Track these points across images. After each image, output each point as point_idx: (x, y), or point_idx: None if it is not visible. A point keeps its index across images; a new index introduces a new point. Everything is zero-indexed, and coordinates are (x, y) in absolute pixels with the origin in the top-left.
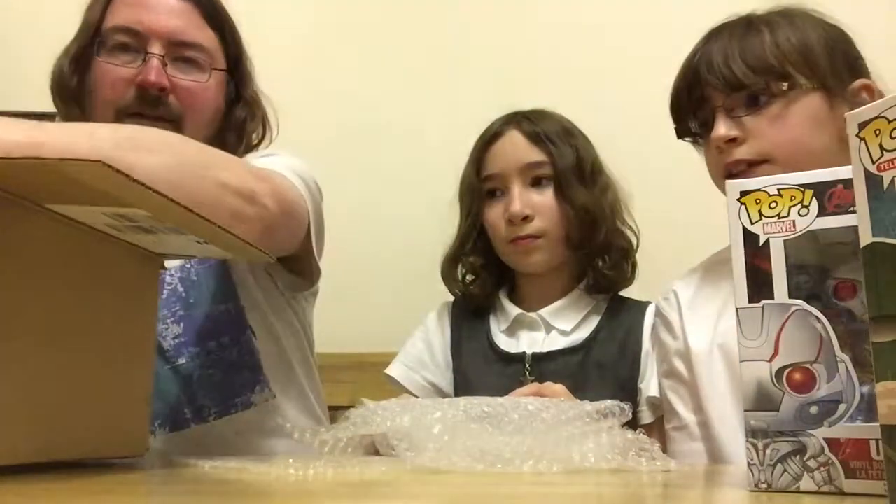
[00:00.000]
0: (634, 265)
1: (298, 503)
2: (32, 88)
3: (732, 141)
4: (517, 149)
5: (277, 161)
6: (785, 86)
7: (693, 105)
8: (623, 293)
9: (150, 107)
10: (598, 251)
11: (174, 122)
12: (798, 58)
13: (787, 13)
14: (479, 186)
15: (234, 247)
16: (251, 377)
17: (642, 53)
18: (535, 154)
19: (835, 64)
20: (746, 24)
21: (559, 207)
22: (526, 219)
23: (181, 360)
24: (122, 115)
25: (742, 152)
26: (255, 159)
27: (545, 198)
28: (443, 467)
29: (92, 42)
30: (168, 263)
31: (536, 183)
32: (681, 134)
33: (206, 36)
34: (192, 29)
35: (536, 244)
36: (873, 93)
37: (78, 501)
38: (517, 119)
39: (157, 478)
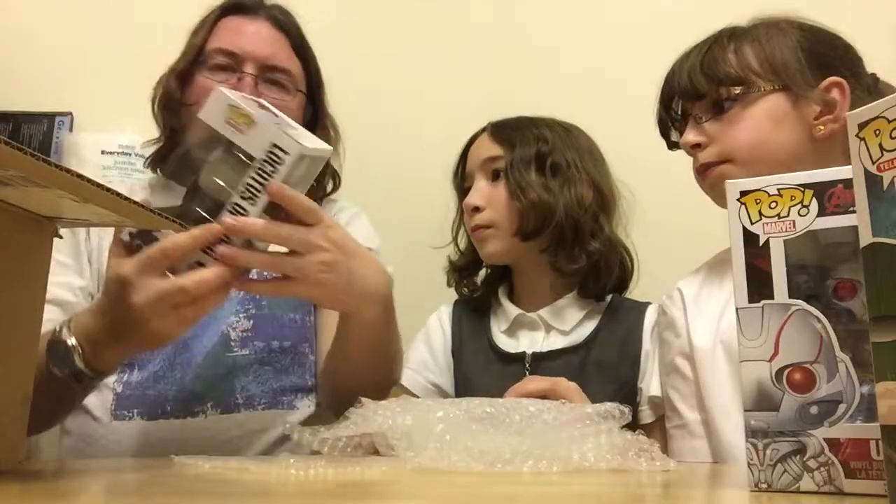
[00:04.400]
0: (604, 267)
1: (298, 503)
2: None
3: (697, 146)
4: (481, 147)
5: (375, 249)
6: (738, 90)
7: (671, 118)
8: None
9: None
10: (553, 245)
11: None
12: (757, 63)
13: (759, 24)
14: (461, 185)
15: (124, 210)
16: (298, 384)
17: (642, 54)
18: (493, 149)
19: (801, 65)
20: (714, 39)
21: (509, 199)
22: (476, 210)
23: (244, 351)
24: None
25: (705, 156)
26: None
27: (498, 190)
28: (443, 467)
29: (195, 61)
30: None
31: (495, 176)
32: (670, 145)
33: (293, 63)
34: (281, 55)
35: (487, 234)
36: (843, 90)
37: (79, 501)
38: (493, 123)
39: (158, 477)
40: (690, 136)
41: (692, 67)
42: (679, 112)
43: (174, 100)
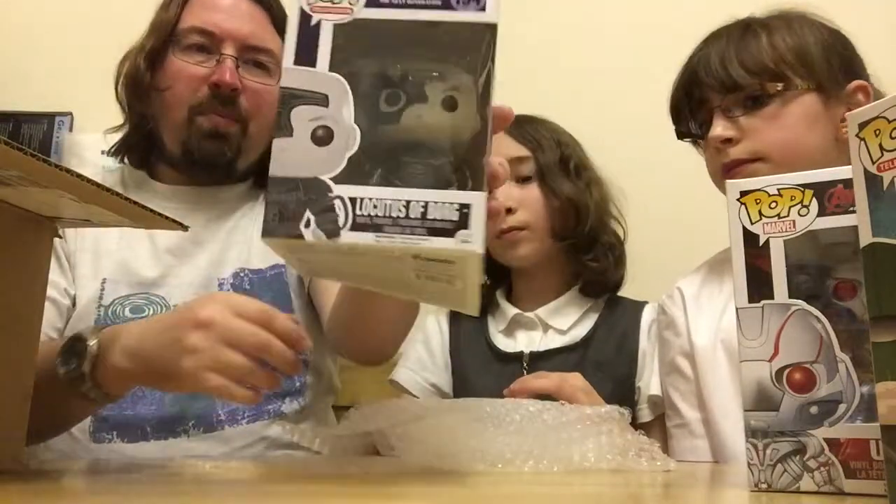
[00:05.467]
0: (621, 261)
1: (298, 503)
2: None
3: (728, 141)
4: (501, 146)
5: None
6: (780, 86)
7: (692, 106)
8: (620, 292)
9: (221, 104)
10: (583, 244)
11: (242, 123)
12: (793, 59)
13: (784, 16)
14: None
15: (124, 210)
16: (284, 387)
17: (643, 53)
18: (518, 150)
19: (831, 65)
20: (744, 28)
21: (544, 199)
22: (510, 211)
23: None
24: (195, 113)
25: (737, 152)
26: None
27: (529, 191)
28: (443, 467)
29: (167, 40)
30: (222, 272)
31: (521, 178)
32: (681, 135)
33: (274, 41)
34: (263, 34)
35: (521, 236)
36: (868, 94)
37: (79, 501)
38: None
39: (158, 477)
40: (720, 129)
41: (726, 58)
42: (698, 101)
43: (143, 83)
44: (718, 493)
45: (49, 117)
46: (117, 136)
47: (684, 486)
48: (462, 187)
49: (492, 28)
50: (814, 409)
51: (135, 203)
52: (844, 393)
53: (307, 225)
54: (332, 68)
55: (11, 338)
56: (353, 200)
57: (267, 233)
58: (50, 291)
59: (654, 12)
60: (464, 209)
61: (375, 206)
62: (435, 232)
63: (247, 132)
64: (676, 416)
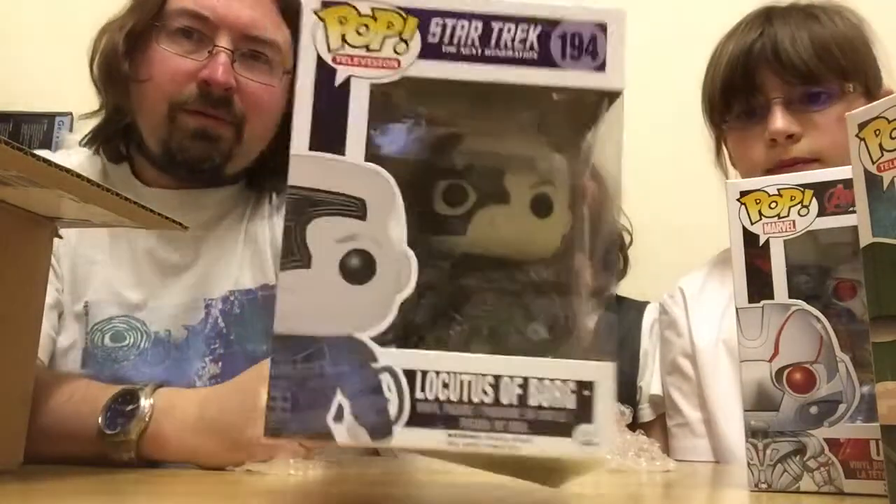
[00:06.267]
0: (626, 259)
1: (299, 503)
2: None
3: (790, 136)
4: None
5: None
6: (851, 87)
7: (746, 90)
8: (622, 293)
9: (211, 106)
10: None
11: (234, 126)
12: (855, 57)
13: (826, 9)
14: None
15: (124, 210)
16: None
17: (643, 51)
18: None
19: (876, 69)
20: (804, 13)
21: None
22: None
23: None
24: (178, 110)
25: (799, 150)
26: None
27: None
28: (443, 467)
29: (152, 21)
30: (211, 292)
31: None
32: (720, 120)
33: (280, 33)
34: (266, 23)
35: None
36: None
37: (80, 501)
38: None
39: (158, 478)
40: (783, 123)
41: (800, 45)
42: (755, 87)
43: (121, 72)
44: (718, 493)
45: (49, 117)
46: (92, 123)
47: (684, 486)
48: (572, 345)
49: (613, 97)
50: (814, 409)
51: (135, 203)
52: (844, 393)
53: (338, 416)
54: (370, 157)
55: (11, 338)
56: (410, 375)
57: (275, 429)
58: (52, 296)
59: (655, 12)
60: (584, 391)
61: (446, 385)
62: (541, 428)
63: (241, 137)
64: (678, 415)
